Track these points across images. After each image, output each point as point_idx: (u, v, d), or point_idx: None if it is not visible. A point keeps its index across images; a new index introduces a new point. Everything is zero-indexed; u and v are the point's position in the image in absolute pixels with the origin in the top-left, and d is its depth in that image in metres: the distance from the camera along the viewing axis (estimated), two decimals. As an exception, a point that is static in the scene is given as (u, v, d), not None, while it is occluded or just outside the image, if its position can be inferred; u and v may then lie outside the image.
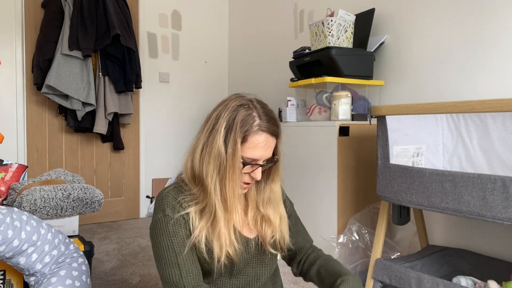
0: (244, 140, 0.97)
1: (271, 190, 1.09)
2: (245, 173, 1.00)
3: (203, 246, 0.97)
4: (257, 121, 0.97)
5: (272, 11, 3.15)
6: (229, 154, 0.96)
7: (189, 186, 1.01)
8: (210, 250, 0.98)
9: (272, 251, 1.08)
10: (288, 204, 1.18)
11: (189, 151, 1.04)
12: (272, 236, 1.07)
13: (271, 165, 1.04)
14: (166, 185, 1.10)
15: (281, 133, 1.03)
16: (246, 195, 1.11)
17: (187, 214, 0.98)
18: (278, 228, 1.08)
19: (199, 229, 0.97)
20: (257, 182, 1.09)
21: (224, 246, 0.98)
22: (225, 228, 0.99)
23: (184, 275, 0.93)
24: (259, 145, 0.97)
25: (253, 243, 1.07)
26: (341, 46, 2.02)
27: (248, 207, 1.10)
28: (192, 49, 3.59)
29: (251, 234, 1.08)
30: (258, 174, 1.00)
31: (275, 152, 1.04)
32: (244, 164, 0.98)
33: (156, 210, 1.00)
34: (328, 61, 2.00)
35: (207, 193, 0.98)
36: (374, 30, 2.20)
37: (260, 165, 0.99)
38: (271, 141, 0.99)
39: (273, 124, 1.00)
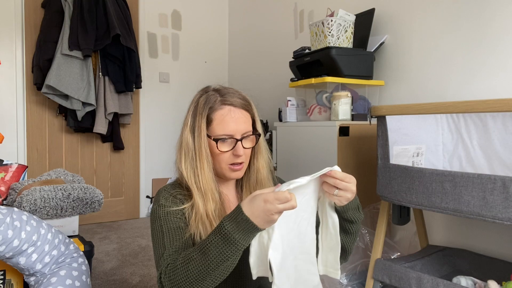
0: (209, 120, 0.99)
1: (257, 170, 1.07)
2: (224, 151, 0.99)
3: (198, 239, 0.96)
4: (218, 98, 1.00)
5: (272, 11, 3.15)
6: (196, 139, 0.98)
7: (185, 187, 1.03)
8: None
9: None
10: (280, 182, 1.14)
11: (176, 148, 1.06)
12: None
13: (251, 138, 1.02)
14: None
15: (252, 107, 1.04)
16: (241, 184, 1.09)
17: (183, 209, 0.98)
18: None
19: (191, 225, 0.97)
20: (248, 167, 1.07)
21: None
22: (208, 221, 0.97)
23: (166, 255, 0.91)
24: (226, 118, 0.98)
25: None
26: (341, 46, 2.02)
27: (242, 198, 1.09)
28: (192, 49, 3.59)
29: None
30: (238, 149, 0.98)
31: (255, 128, 1.04)
32: (217, 140, 0.98)
33: (153, 203, 1.03)
34: (328, 61, 2.00)
35: (190, 190, 0.99)
36: (374, 30, 2.20)
37: (238, 140, 0.98)
38: (239, 113, 0.99)
39: (236, 97, 1.01)
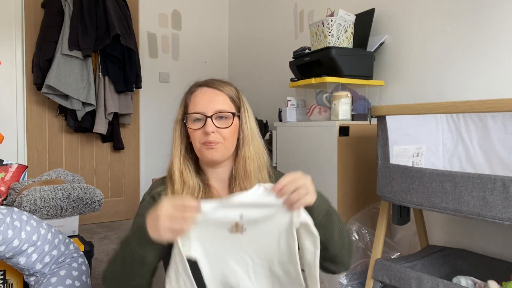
0: (186, 105, 1.02)
1: (244, 160, 1.02)
2: (195, 129, 0.99)
3: None
4: (192, 86, 1.04)
5: (272, 11, 3.15)
6: (175, 128, 1.04)
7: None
8: None
9: None
10: (277, 177, 1.06)
11: None
12: None
13: (228, 118, 0.99)
14: None
15: (233, 90, 1.03)
16: (230, 177, 1.04)
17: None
18: None
19: None
20: (236, 156, 1.03)
21: None
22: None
23: None
24: (197, 98, 0.99)
25: None
26: (341, 46, 2.02)
27: (233, 190, 1.03)
28: (192, 49, 3.59)
29: None
30: (207, 125, 0.96)
31: (237, 111, 1.02)
32: (186, 118, 0.99)
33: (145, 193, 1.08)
34: (328, 61, 2.00)
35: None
36: (374, 30, 2.20)
37: (207, 116, 0.97)
38: (212, 92, 1.00)
39: (215, 81, 1.02)
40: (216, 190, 1.05)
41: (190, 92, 1.03)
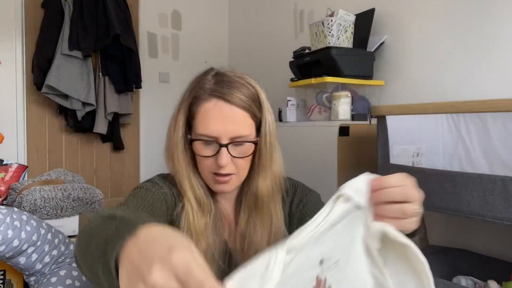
0: (192, 113, 0.77)
1: (257, 187, 0.82)
2: (205, 156, 0.76)
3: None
4: (208, 85, 0.77)
5: (272, 11, 3.15)
6: (177, 137, 0.79)
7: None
8: None
9: None
10: (303, 201, 0.88)
11: None
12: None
13: (246, 145, 0.77)
14: None
15: (260, 107, 0.80)
16: (237, 194, 0.87)
17: (168, 197, 0.82)
18: (267, 239, 0.82)
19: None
20: (248, 177, 0.83)
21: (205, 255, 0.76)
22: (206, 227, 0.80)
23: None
24: (210, 115, 0.74)
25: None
26: (341, 46, 2.02)
27: (240, 215, 0.85)
28: (192, 49, 3.59)
29: (244, 258, 0.84)
30: (221, 156, 0.74)
31: (258, 132, 0.80)
32: (193, 141, 0.77)
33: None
34: (328, 61, 2.00)
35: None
36: (374, 30, 2.19)
37: (222, 145, 0.75)
38: (228, 110, 0.74)
39: (235, 90, 0.75)
40: (224, 208, 0.88)
41: (199, 99, 0.77)
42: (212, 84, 0.77)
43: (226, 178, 0.78)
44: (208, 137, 0.75)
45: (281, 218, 0.86)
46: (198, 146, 0.78)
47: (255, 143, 0.79)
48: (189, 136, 0.79)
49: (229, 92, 0.75)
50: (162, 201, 0.80)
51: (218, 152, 0.75)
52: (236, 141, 0.76)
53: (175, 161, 0.80)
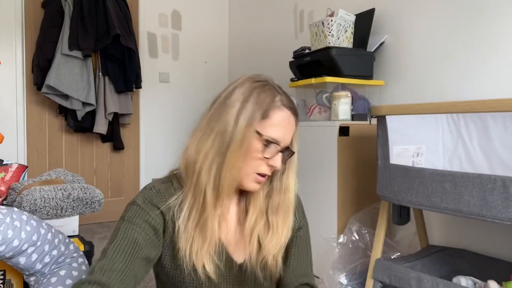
0: (265, 115, 0.82)
1: (285, 189, 0.90)
2: (263, 158, 0.83)
3: (182, 245, 0.82)
4: (279, 96, 0.85)
5: (272, 11, 3.15)
6: (240, 128, 0.80)
7: (179, 183, 0.88)
8: (185, 258, 0.82)
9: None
10: (301, 223, 0.96)
11: (189, 135, 0.88)
12: (274, 255, 0.88)
13: (288, 156, 0.88)
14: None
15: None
16: (247, 199, 0.92)
17: (165, 212, 0.84)
18: (283, 241, 0.89)
19: (182, 224, 0.83)
20: (270, 181, 0.90)
21: (205, 254, 0.82)
22: (212, 225, 0.83)
23: (97, 267, 0.77)
24: (282, 123, 0.83)
25: (239, 267, 0.89)
26: (341, 46, 2.02)
27: (248, 214, 0.90)
28: (192, 49, 3.59)
29: (239, 256, 0.90)
30: (278, 160, 0.83)
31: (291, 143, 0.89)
32: (266, 144, 0.82)
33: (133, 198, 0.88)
34: (328, 61, 2.00)
35: (197, 182, 0.82)
36: (374, 30, 2.20)
37: (281, 150, 0.84)
38: (292, 123, 0.86)
39: (295, 106, 0.88)
40: (228, 211, 0.92)
41: (276, 105, 0.84)
42: (284, 96, 0.87)
43: (265, 178, 0.86)
44: (276, 141, 0.83)
45: (291, 226, 0.92)
46: (258, 145, 0.82)
47: (292, 153, 0.89)
48: (260, 134, 0.82)
49: (295, 108, 0.87)
50: (149, 229, 0.82)
51: (275, 155, 0.84)
52: (286, 150, 0.86)
53: (231, 157, 0.80)
